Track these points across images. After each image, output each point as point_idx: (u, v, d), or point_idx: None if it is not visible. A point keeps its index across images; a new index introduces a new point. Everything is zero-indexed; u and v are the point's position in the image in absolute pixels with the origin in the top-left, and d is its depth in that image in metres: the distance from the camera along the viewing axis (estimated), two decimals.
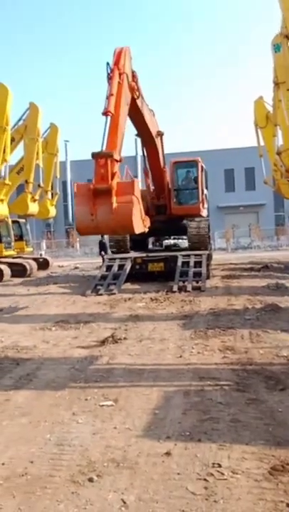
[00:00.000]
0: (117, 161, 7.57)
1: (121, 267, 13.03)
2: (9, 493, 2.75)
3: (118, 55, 8.97)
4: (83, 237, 36.49)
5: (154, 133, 12.71)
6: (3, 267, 18.26)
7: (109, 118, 7.94)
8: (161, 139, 13.81)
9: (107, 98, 8.19)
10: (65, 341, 6.61)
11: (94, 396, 4.30)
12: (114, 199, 6.93)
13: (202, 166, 15.84)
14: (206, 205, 16.72)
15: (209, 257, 16.13)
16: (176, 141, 77.88)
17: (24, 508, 2.58)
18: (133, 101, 9.70)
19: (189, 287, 11.39)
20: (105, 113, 7.94)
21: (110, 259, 13.93)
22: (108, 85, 8.40)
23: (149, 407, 3.98)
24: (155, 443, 3.31)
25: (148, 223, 8.43)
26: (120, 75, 8.63)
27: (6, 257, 20.18)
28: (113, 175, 7.21)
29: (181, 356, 5.54)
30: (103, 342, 6.35)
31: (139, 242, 15.61)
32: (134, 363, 5.37)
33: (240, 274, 15.09)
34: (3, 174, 17.09)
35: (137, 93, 9.89)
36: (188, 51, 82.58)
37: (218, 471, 2.89)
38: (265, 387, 4.38)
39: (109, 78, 8.49)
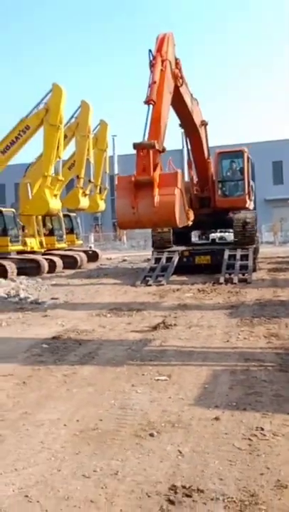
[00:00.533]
0: (159, 151, 7.33)
1: (169, 259, 13.50)
2: (85, 442, 3.33)
3: (161, 42, 8.71)
4: (130, 230, 37.28)
5: (197, 122, 12.45)
6: (56, 258, 19.24)
7: (151, 107, 7.71)
8: (206, 129, 13.53)
9: (150, 86, 7.96)
10: (120, 326, 7.21)
11: (150, 372, 4.84)
12: (156, 191, 6.70)
13: (248, 157, 15.38)
14: (252, 198, 16.25)
15: (256, 251, 16.27)
16: (223, 134, 77.14)
17: (98, 453, 3.16)
18: (176, 89, 9.44)
19: (236, 279, 11.72)
20: (147, 101, 7.71)
21: (159, 251, 14.31)
22: (150, 73, 8.17)
23: (199, 382, 4.47)
24: (205, 410, 3.80)
25: (192, 216, 8.27)
26: (163, 61, 8.37)
27: (58, 249, 21.23)
28: (155, 166, 6.96)
29: (228, 341, 5.98)
30: (155, 327, 6.89)
31: (182, 235, 15.23)
32: (185, 345, 5.88)
33: (286, 267, 15.20)
34: (58, 170, 18.04)
35: (181, 81, 9.62)
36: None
37: (261, 433, 3.34)
38: None
39: (152, 65, 8.24)
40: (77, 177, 21.81)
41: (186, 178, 15.66)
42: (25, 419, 3.75)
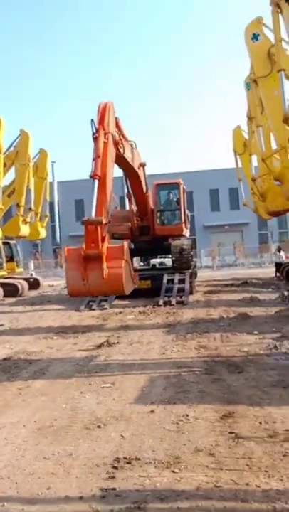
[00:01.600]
0: (106, 224, 7.65)
1: None
2: (43, 436, 4.00)
3: (102, 113, 9.04)
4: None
5: (136, 166, 13.10)
6: None
7: (96, 181, 8.00)
8: (144, 169, 14.23)
9: (94, 160, 8.28)
10: (67, 347, 7.86)
11: (96, 381, 5.56)
12: (104, 265, 6.98)
13: (184, 188, 16.67)
14: (188, 226, 17.54)
15: (193, 275, 17.48)
16: (162, 163, 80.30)
17: (55, 443, 3.84)
18: (118, 155, 9.84)
19: (174, 301, 12.72)
20: (93, 176, 8.05)
21: None
22: (94, 145, 8.54)
23: (138, 386, 5.27)
24: (143, 406, 4.59)
25: (137, 279, 8.72)
26: (105, 134, 8.73)
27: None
28: (103, 239, 7.30)
29: (164, 353, 6.85)
30: (99, 346, 7.61)
31: None
32: (126, 359, 6.66)
33: (220, 290, 16.48)
34: None
35: (122, 148, 10.18)
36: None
37: (186, 419, 4.18)
38: (227, 371, 5.69)
39: (95, 138, 8.58)
40: (18, 205, 22.20)
41: (126, 207, 16.85)
42: None
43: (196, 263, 21.65)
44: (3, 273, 21.95)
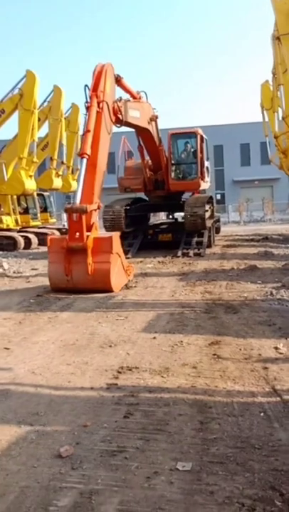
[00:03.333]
0: (94, 210, 7.02)
1: (135, 236, 15.20)
2: (67, 350, 5.14)
3: (97, 78, 8.25)
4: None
5: (146, 122, 12.27)
6: (31, 236, 20.71)
7: (84, 160, 7.21)
8: (156, 123, 13.35)
9: (84, 134, 7.58)
10: None
11: (112, 315, 6.66)
12: (90, 259, 6.45)
13: (202, 137, 15.16)
14: (207, 179, 16.21)
15: (216, 230, 18.11)
16: (193, 117, 78.58)
17: (76, 355, 4.96)
18: (118, 120, 9.27)
19: (191, 253, 13.60)
20: (81, 155, 7.30)
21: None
22: (86, 115, 7.85)
23: (146, 319, 6.33)
24: (147, 334, 5.65)
25: (132, 270, 8.21)
26: (99, 103, 8.00)
27: (32, 227, 22.64)
28: (90, 227, 6.67)
29: (172, 296, 7.87)
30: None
31: (138, 218, 15.26)
32: (140, 299, 7.73)
33: (239, 244, 17.17)
34: (33, 152, 19.34)
35: (122, 115, 9.33)
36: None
37: (180, 343, 5.22)
38: (224, 311, 6.66)
39: (87, 108, 7.90)
40: (51, 159, 23.20)
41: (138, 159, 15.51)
42: (25, 341, 5.53)
43: (219, 218, 22.13)
44: (38, 223, 23.30)
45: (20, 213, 22.08)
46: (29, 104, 18.67)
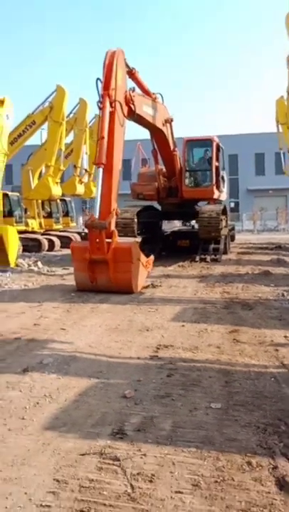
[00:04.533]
0: (113, 219, 7.42)
1: (155, 241, 16.23)
2: (112, 332, 6.24)
3: (108, 72, 8.08)
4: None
5: (160, 123, 12.06)
6: (54, 238, 21.95)
7: (101, 169, 7.37)
8: (171, 126, 13.23)
9: (99, 141, 7.55)
10: None
11: (144, 307, 7.77)
12: (112, 269, 6.92)
13: (218, 145, 15.03)
14: (222, 188, 16.17)
15: (231, 238, 18.98)
16: (209, 126, 79.87)
17: (121, 335, 6.06)
18: (131, 112, 9.10)
19: (208, 259, 14.65)
20: (97, 164, 7.40)
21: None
22: (99, 116, 7.83)
23: (174, 312, 7.42)
24: (177, 322, 6.74)
25: (151, 264, 8.67)
26: (112, 103, 7.95)
27: (55, 230, 23.90)
28: (109, 235, 7.01)
29: (195, 294, 8.96)
30: (146, 287, 9.77)
31: (151, 224, 15.38)
32: (166, 296, 8.83)
33: (253, 252, 18.21)
34: (60, 160, 20.65)
35: (134, 105, 9.15)
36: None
37: (205, 331, 6.29)
38: (241, 308, 7.72)
39: (100, 108, 7.88)
40: (75, 166, 24.56)
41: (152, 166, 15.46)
42: (76, 324, 6.66)
43: (234, 226, 23.10)
44: (60, 226, 24.57)
45: (44, 217, 23.34)
46: (58, 116, 19.98)
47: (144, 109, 10.26)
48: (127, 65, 9.13)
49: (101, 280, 7.11)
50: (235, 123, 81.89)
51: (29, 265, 13.33)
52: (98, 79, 7.86)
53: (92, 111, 24.48)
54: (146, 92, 10.64)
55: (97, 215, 7.18)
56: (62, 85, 20.28)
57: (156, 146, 13.56)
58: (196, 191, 14.77)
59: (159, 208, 16.33)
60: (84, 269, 7.17)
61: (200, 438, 3.31)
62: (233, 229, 21.72)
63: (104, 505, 2.55)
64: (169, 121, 12.78)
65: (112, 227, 7.28)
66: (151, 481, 2.78)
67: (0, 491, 2.69)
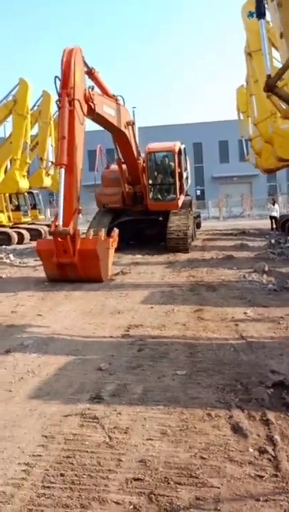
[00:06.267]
0: (77, 212, 7.55)
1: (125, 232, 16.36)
2: (86, 316, 6.68)
3: (66, 70, 8.01)
4: (84, 205, 39.87)
5: (122, 125, 11.96)
6: (24, 231, 22.04)
7: (63, 170, 7.35)
8: (132, 129, 13.10)
9: (59, 140, 7.62)
10: None
11: (115, 293, 8.22)
12: (80, 268, 7.10)
13: (180, 151, 14.85)
14: (186, 186, 16.11)
15: (197, 226, 19.50)
16: (172, 114, 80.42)
17: (93, 318, 6.51)
18: (90, 113, 9.08)
19: None
20: (58, 165, 7.44)
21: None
22: (58, 117, 7.88)
23: (143, 295, 7.92)
24: (146, 305, 7.24)
25: (116, 236, 8.93)
26: (70, 101, 7.93)
27: (23, 223, 23.93)
28: (73, 235, 7.15)
29: (162, 279, 9.49)
30: (116, 274, 10.22)
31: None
32: (135, 282, 9.31)
33: (218, 238, 18.92)
34: (25, 153, 20.69)
35: (93, 103, 9.10)
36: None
37: (171, 311, 6.81)
38: (205, 290, 8.30)
39: (59, 107, 7.88)
40: (41, 159, 24.58)
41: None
42: (51, 310, 7.06)
43: (199, 213, 23.71)
44: (28, 219, 24.60)
45: (12, 210, 23.33)
46: (22, 109, 19.96)
47: (105, 109, 10.22)
48: (86, 64, 9.14)
49: (72, 276, 7.29)
50: (198, 111, 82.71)
51: (1, 258, 13.52)
52: (56, 77, 7.90)
53: (55, 103, 24.48)
54: (106, 93, 10.59)
55: (60, 222, 7.19)
56: (26, 79, 20.24)
57: (120, 154, 13.41)
58: (160, 204, 14.76)
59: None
60: (53, 269, 7.33)
61: (167, 398, 3.82)
62: (198, 216, 22.29)
63: (87, 451, 3.02)
64: (130, 123, 12.73)
65: (76, 227, 7.27)
66: (126, 433, 3.27)
67: None
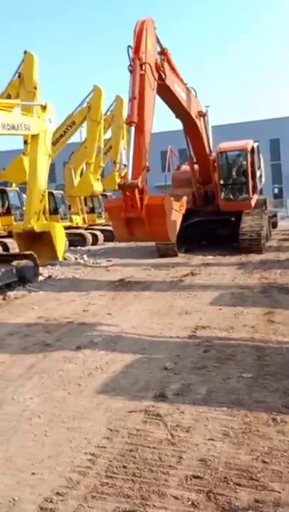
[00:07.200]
0: (145, 172, 7.22)
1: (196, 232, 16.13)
2: (154, 316, 6.80)
3: (138, 37, 7.98)
4: None
5: (193, 113, 11.66)
6: (98, 232, 22.77)
7: (133, 128, 7.29)
8: (204, 121, 12.75)
9: (130, 101, 7.49)
10: (162, 275, 10.64)
11: (183, 293, 8.26)
12: (148, 225, 6.92)
13: (253, 149, 14.38)
14: (260, 185, 15.44)
15: (274, 225, 18.78)
16: (250, 108, 78.60)
17: (161, 319, 6.60)
18: (161, 80, 8.75)
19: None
20: (129, 123, 7.36)
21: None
22: (130, 79, 7.66)
23: (212, 297, 7.87)
24: (214, 306, 7.20)
25: (183, 208, 8.27)
26: (142, 65, 7.76)
27: (98, 224, 24.74)
28: (141, 192, 6.97)
29: (233, 280, 9.35)
30: (186, 275, 10.26)
31: (189, 238, 14.62)
32: (205, 283, 9.28)
33: None
34: (99, 157, 21.43)
35: (164, 74, 8.82)
36: None
37: (241, 313, 6.70)
38: (278, 292, 8.05)
39: (131, 71, 7.72)
40: (114, 162, 25.31)
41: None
42: (121, 309, 7.28)
43: (276, 212, 22.85)
44: (102, 221, 25.39)
45: (87, 213, 24.24)
46: (96, 115, 20.73)
47: (176, 87, 10.01)
48: (158, 41, 8.95)
49: (139, 234, 7.22)
50: (277, 106, 79.87)
51: (76, 258, 14.14)
52: (129, 46, 7.82)
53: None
54: (177, 76, 10.28)
55: (129, 176, 7.17)
56: (99, 85, 20.97)
57: (190, 148, 13.16)
58: (232, 205, 14.47)
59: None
60: (122, 226, 7.20)
61: (231, 400, 3.79)
62: (275, 216, 21.48)
63: (149, 447, 3.11)
64: (202, 114, 12.50)
65: (144, 184, 7.17)
66: (188, 431, 3.31)
67: (65, 436, 3.31)
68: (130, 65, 7.74)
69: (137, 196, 6.96)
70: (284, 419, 3.43)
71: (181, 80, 10.47)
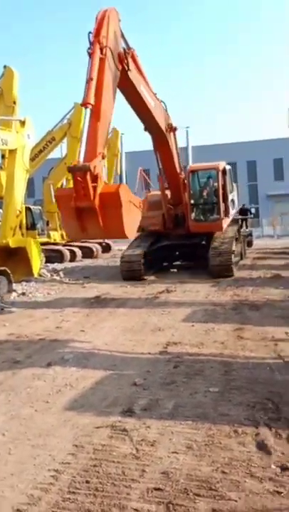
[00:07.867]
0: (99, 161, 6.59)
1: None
2: (127, 332, 6.87)
3: (99, 23, 7.50)
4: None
5: (162, 125, 11.24)
6: (76, 249, 22.77)
7: (88, 111, 6.77)
8: (174, 136, 12.34)
9: (87, 82, 6.91)
10: (138, 292, 10.75)
11: (158, 310, 8.38)
12: (101, 216, 6.20)
13: (224, 171, 13.81)
14: (232, 210, 14.68)
15: (249, 244, 18.96)
16: (225, 132, 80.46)
17: (134, 335, 6.68)
18: (124, 74, 8.15)
19: None
20: (84, 104, 6.79)
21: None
22: (88, 63, 7.14)
23: (185, 313, 8.00)
24: (187, 323, 7.32)
25: (142, 205, 7.51)
26: (102, 48, 7.27)
27: (76, 241, 24.74)
28: (95, 179, 6.27)
29: (206, 297, 9.52)
30: (161, 292, 10.39)
31: (159, 259, 14.55)
32: (179, 300, 9.41)
33: (268, 257, 18.53)
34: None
35: (128, 66, 8.21)
36: None
37: (212, 329, 6.84)
38: (248, 309, 8.24)
39: (90, 54, 7.21)
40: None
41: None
42: (94, 326, 7.33)
43: (251, 232, 23.33)
44: None
45: None
46: (76, 132, 20.87)
47: (142, 89, 9.29)
48: (124, 38, 8.45)
49: (92, 229, 6.44)
50: (252, 129, 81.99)
51: (51, 275, 14.13)
52: (90, 32, 7.31)
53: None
54: (146, 83, 9.61)
55: (81, 159, 6.46)
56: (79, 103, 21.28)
57: (160, 166, 12.79)
58: (203, 225, 13.70)
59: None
60: (72, 218, 6.43)
61: (197, 414, 3.89)
62: (250, 235, 21.90)
63: (114, 462, 3.17)
64: (172, 129, 11.99)
65: (98, 170, 6.44)
66: (152, 445, 3.38)
67: (30, 454, 3.34)
68: (89, 48, 7.24)
69: (90, 183, 6.22)
70: (245, 431, 3.54)
71: (150, 88, 10.00)
